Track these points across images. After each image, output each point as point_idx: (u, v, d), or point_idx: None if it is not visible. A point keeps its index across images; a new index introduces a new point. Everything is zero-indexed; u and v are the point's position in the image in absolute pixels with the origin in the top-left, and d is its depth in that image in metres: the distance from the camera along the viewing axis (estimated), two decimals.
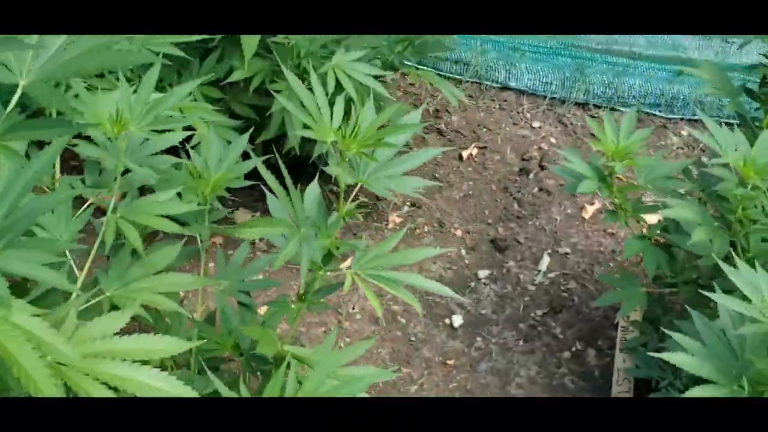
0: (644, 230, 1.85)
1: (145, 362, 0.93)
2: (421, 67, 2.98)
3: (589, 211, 2.69)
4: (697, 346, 1.17)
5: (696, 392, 1.12)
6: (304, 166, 2.53)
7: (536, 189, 2.74)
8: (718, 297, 1.15)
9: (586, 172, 1.75)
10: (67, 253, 1.18)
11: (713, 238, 1.56)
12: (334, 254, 1.25)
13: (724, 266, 1.18)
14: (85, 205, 1.25)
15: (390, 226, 2.56)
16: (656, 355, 1.19)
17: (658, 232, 1.83)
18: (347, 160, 1.15)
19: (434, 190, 2.71)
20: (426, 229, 2.56)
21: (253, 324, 1.30)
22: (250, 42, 2.04)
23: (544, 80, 3.13)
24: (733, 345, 1.18)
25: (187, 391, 0.91)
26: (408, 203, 2.64)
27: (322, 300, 1.33)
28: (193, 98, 2.00)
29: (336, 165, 1.15)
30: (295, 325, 1.35)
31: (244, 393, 1.04)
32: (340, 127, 1.11)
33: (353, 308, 2.25)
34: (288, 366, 1.07)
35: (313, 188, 1.23)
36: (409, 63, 2.63)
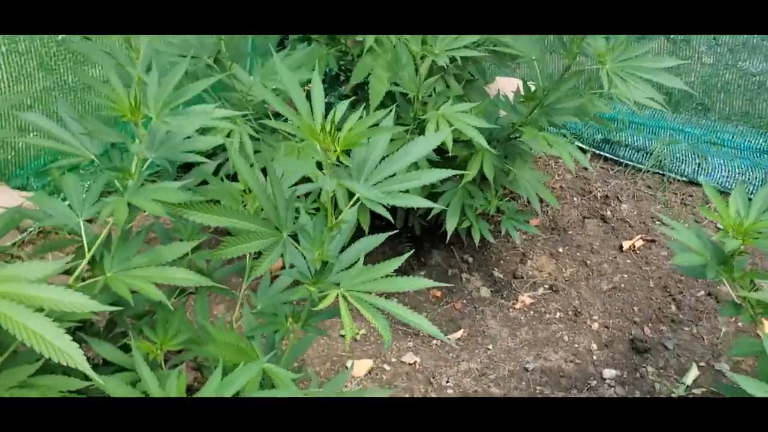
0: None
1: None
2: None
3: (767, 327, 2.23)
4: None
5: None
6: (435, 231, 2.46)
7: (703, 293, 2.35)
8: None
9: (697, 247, 1.45)
10: (82, 229, 1.23)
11: None
12: (327, 269, 1.16)
13: None
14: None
15: (518, 306, 2.35)
16: None
17: None
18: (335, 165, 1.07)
19: (580, 278, 2.45)
20: (558, 315, 2.31)
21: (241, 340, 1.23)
22: (378, 90, 2.05)
23: (741, 179, 2.73)
24: None
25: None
26: (546, 285, 2.42)
27: (314, 325, 1.23)
28: None
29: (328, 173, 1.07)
30: (291, 344, 1.27)
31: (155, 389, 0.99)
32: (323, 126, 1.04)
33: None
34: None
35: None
36: (577, 139, 2.40)
